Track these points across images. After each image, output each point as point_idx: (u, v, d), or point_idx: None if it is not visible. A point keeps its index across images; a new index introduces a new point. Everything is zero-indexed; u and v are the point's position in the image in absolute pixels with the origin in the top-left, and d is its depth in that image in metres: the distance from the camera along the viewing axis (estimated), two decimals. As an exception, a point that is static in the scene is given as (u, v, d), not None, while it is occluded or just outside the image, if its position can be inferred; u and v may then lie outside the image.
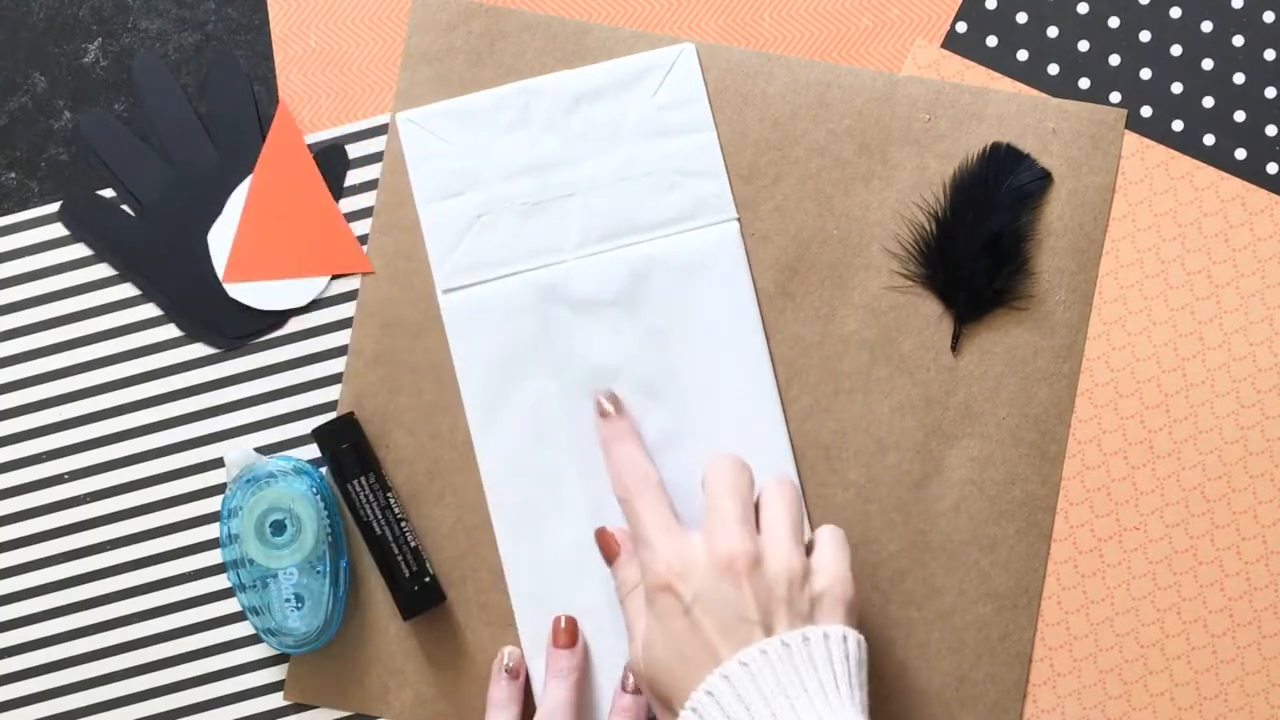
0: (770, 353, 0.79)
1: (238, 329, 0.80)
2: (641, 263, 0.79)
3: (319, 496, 0.77)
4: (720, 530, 0.67)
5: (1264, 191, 0.80)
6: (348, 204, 0.80)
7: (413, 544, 0.77)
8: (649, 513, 0.70)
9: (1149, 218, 0.80)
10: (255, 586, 0.77)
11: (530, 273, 0.79)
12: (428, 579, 0.77)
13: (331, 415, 0.79)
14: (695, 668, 0.64)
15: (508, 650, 0.77)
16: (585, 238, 0.79)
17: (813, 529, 0.76)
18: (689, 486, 0.77)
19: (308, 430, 0.80)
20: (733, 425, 0.78)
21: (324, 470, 0.79)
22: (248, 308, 0.80)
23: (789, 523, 0.69)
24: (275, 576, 0.77)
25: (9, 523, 0.80)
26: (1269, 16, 0.81)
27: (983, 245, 0.79)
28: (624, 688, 0.75)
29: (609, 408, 0.76)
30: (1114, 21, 0.81)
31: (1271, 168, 0.80)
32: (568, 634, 0.76)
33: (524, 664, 0.77)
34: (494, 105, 0.80)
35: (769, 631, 0.64)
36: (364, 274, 0.80)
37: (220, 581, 0.79)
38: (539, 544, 0.78)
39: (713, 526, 0.67)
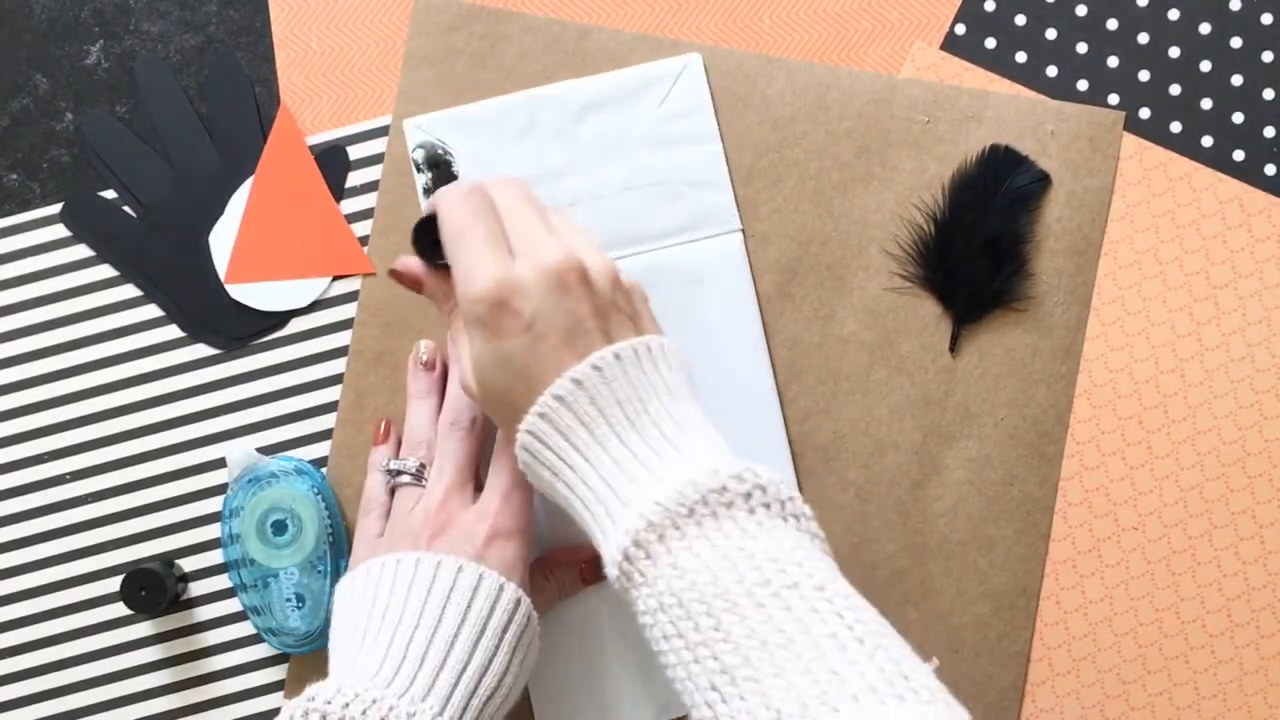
0: (770, 355, 0.79)
1: (239, 330, 0.80)
2: (646, 272, 0.79)
3: (320, 496, 0.77)
4: (537, 246, 0.65)
5: (1262, 193, 0.80)
6: (349, 205, 0.80)
7: None
8: (466, 253, 0.66)
9: (1147, 219, 0.80)
10: (256, 586, 0.77)
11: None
12: None
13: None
14: (540, 384, 0.64)
15: (422, 343, 0.77)
16: (587, 242, 0.79)
17: None
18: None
19: (309, 430, 0.80)
20: (733, 428, 0.78)
21: (322, 473, 0.79)
22: (249, 308, 0.80)
23: (565, 220, 0.68)
24: (276, 576, 0.77)
25: (11, 523, 0.80)
26: (1267, 19, 0.81)
27: (981, 247, 0.79)
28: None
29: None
30: (1112, 23, 0.81)
31: (1270, 169, 0.80)
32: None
33: (438, 354, 0.77)
34: (500, 113, 0.80)
35: (609, 338, 0.64)
36: (365, 275, 0.80)
37: (221, 581, 0.80)
38: (537, 547, 0.78)
39: (526, 245, 0.66)
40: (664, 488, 0.60)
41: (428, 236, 0.69)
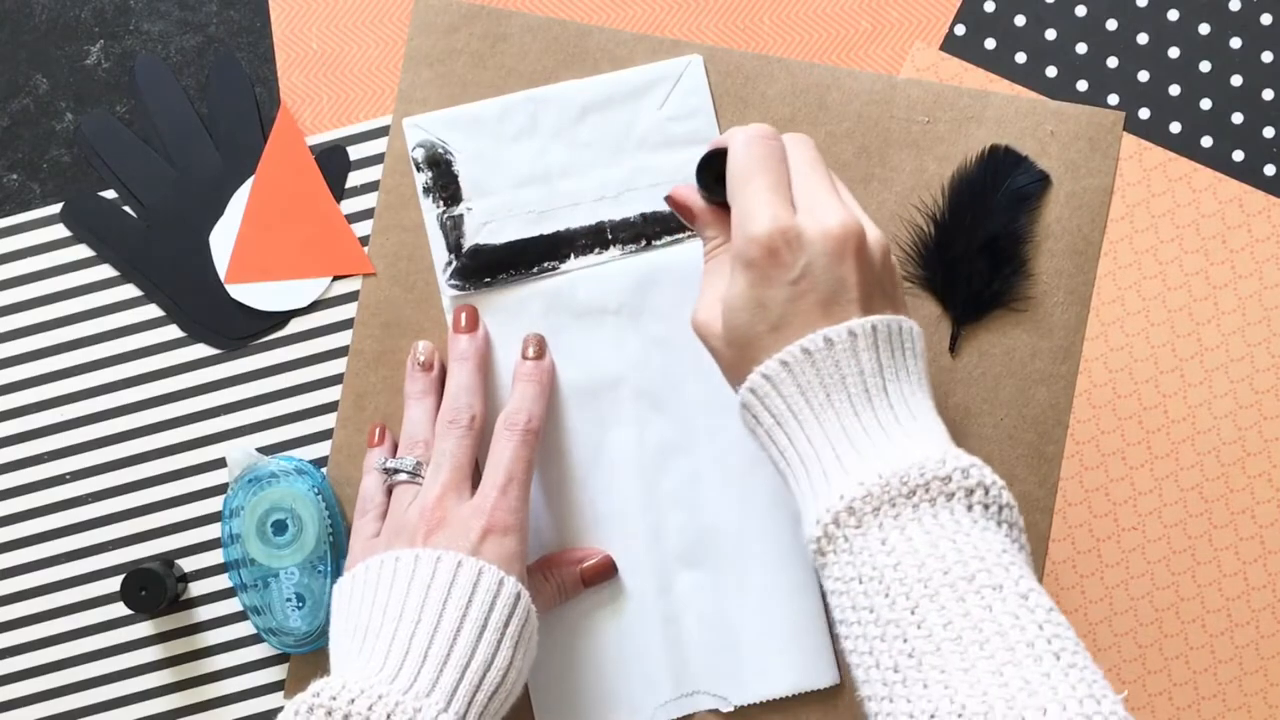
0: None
1: (239, 330, 0.80)
2: (645, 272, 0.79)
3: (320, 496, 0.77)
4: (823, 206, 0.65)
5: (1261, 193, 0.80)
6: (349, 205, 0.80)
7: None
8: (752, 194, 0.65)
9: (1147, 219, 0.80)
10: (256, 586, 0.77)
11: (535, 280, 0.79)
12: None
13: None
14: (789, 335, 0.64)
15: (420, 344, 0.78)
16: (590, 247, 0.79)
17: None
18: (691, 495, 0.77)
19: (309, 430, 0.80)
20: (733, 433, 0.78)
21: (320, 478, 0.79)
22: (249, 308, 0.80)
23: (846, 189, 0.68)
24: (276, 576, 0.77)
25: (11, 523, 0.80)
26: (1266, 19, 0.81)
27: (981, 247, 0.79)
28: (524, 355, 0.77)
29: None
30: (1112, 24, 0.81)
31: (1269, 169, 0.80)
32: (469, 322, 0.77)
33: (435, 355, 0.78)
34: (501, 113, 0.80)
35: (866, 310, 0.64)
36: (365, 275, 0.80)
37: (221, 581, 0.80)
38: (538, 549, 0.78)
39: (812, 202, 0.65)
40: (888, 464, 0.60)
41: (711, 171, 0.69)
